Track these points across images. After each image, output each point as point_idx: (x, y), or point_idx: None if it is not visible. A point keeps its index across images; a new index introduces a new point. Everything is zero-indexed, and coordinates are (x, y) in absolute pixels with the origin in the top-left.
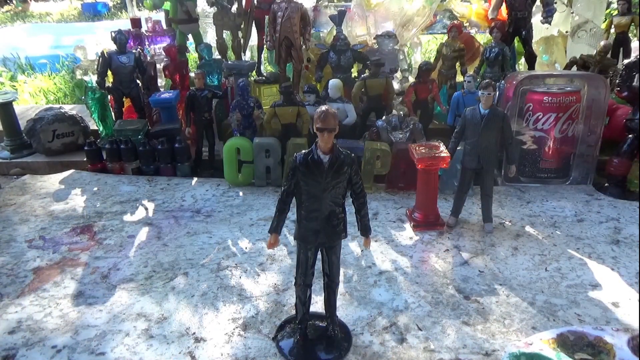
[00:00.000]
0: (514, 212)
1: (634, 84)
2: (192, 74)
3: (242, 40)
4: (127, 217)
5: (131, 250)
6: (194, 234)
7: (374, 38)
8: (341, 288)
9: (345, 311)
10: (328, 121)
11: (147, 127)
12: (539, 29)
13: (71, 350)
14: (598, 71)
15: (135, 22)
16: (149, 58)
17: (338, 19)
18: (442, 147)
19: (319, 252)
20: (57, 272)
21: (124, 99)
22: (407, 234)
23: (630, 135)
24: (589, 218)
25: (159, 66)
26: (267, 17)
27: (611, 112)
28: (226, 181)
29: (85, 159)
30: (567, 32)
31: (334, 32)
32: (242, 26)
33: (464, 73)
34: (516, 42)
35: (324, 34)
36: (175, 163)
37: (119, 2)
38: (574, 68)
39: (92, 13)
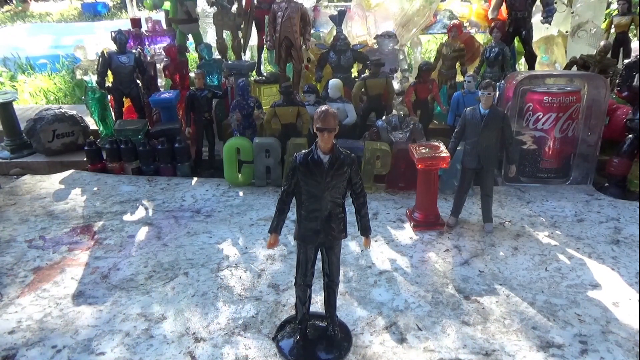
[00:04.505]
0: (514, 212)
1: (634, 84)
2: (192, 74)
3: (242, 40)
4: (127, 217)
5: (131, 250)
6: (194, 234)
7: (374, 38)
8: (341, 288)
9: (345, 311)
10: (328, 121)
11: (147, 127)
12: (539, 29)
13: (71, 350)
14: (598, 71)
15: (135, 22)
16: (149, 58)
17: (338, 19)
18: (442, 147)
19: (319, 252)
20: (57, 272)
21: (124, 99)
22: (407, 234)
23: (630, 135)
24: (589, 218)
25: (159, 66)
26: (267, 17)
27: (611, 112)
28: (226, 181)
29: (85, 159)
30: (567, 32)
31: (334, 32)
32: (242, 26)
33: (464, 73)
34: (516, 42)
35: (324, 34)
36: (175, 163)
37: (119, 2)
38: (574, 68)
39: (92, 13)
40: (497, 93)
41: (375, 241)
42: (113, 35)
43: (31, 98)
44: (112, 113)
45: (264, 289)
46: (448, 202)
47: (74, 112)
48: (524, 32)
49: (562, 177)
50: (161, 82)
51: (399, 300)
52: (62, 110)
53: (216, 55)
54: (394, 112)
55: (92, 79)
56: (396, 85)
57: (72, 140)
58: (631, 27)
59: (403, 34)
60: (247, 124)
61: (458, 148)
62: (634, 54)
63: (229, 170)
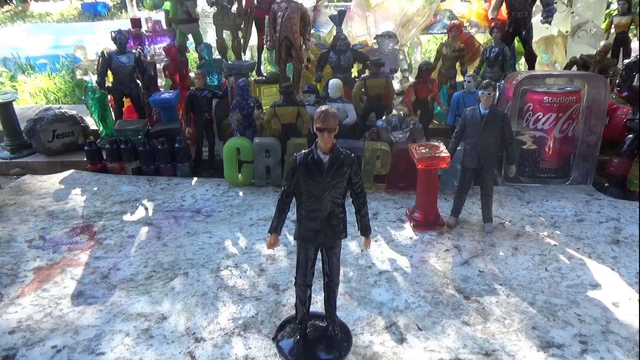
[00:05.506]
0: (514, 212)
1: (634, 84)
2: (192, 74)
3: (242, 40)
4: (127, 217)
5: (131, 250)
6: (194, 234)
7: (374, 38)
8: (341, 288)
9: (345, 311)
10: (328, 121)
11: (147, 127)
12: (539, 29)
13: (71, 350)
14: (598, 71)
15: (135, 22)
16: (149, 58)
17: (338, 19)
18: (442, 147)
19: (319, 252)
20: (57, 272)
21: (124, 99)
22: (407, 234)
23: (630, 135)
24: (589, 218)
25: (159, 66)
26: (267, 17)
27: (611, 112)
28: (226, 181)
29: (85, 159)
30: (567, 32)
31: (334, 32)
32: (242, 26)
33: (464, 73)
34: (516, 42)
35: (324, 34)
36: (175, 163)
37: (119, 2)
38: (574, 68)
39: (92, 13)
40: (497, 93)
41: (375, 241)
42: (113, 35)
43: (31, 98)
44: (112, 113)
45: (264, 289)
46: (448, 202)
47: (74, 112)
48: (524, 32)
49: (562, 177)
50: (161, 82)
51: (399, 300)
52: (62, 110)
53: (216, 55)
54: (394, 112)
55: (92, 79)
56: (396, 85)
57: (72, 140)
58: (631, 27)
59: (403, 34)
60: (247, 124)
61: (458, 148)
62: (634, 54)
63: (229, 170)
